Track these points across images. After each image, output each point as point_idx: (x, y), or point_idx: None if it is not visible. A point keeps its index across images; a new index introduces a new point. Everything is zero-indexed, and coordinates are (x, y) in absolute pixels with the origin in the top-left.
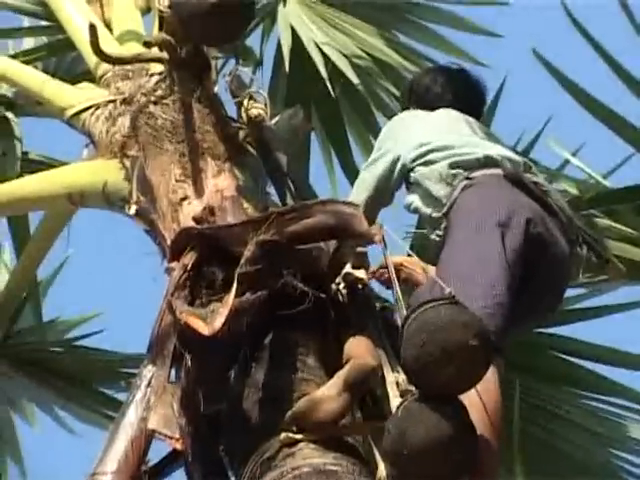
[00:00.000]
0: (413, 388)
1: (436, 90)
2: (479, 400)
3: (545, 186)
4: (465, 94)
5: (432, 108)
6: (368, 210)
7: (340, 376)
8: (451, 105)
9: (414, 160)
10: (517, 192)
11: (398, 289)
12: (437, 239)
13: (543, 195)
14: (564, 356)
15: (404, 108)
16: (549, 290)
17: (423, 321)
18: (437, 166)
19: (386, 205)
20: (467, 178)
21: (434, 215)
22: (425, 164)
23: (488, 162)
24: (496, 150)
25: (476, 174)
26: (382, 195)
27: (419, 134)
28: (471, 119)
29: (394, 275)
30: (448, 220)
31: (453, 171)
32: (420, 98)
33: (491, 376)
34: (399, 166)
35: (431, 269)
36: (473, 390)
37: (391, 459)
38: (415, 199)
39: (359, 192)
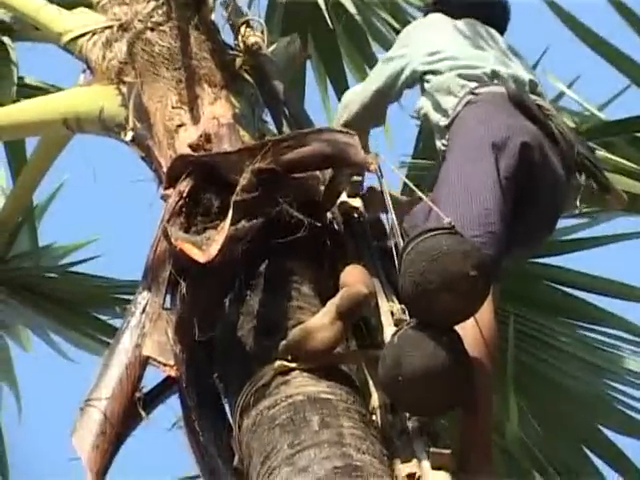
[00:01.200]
0: (407, 317)
1: None
2: (475, 329)
3: (549, 110)
4: (490, 6)
5: (455, 15)
6: (376, 101)
7: (332, 304)
8: (474, 15)
9: (424, 67)
10: (518, 114)
11: (394, 217)
12: (442, 148)
13: (545, 119)
14: (559, 286)
15: (427, 13)
16: (543, 217)
17: (423, 250)
18: (445, 77)
19: (392, 102)
20: (472, 93)
21: (441, 124)
22: (434, 73)
23: (495, 77)
24: (504, 66)
25: (481, 90)
26: (389, 91)
27: (432, 42)
28: (492, 31)
29: (390, 203)
30: (450, 133)
31: (461, 82)
32: (445, 4)
33: (487, 306)
34: (408, 71)
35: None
36: (469, 319)
37: (386, 387)
38: (427, 105)
39: (372, 81)
